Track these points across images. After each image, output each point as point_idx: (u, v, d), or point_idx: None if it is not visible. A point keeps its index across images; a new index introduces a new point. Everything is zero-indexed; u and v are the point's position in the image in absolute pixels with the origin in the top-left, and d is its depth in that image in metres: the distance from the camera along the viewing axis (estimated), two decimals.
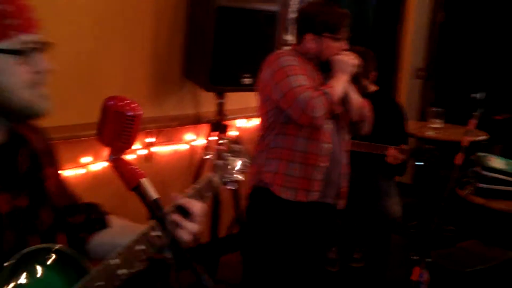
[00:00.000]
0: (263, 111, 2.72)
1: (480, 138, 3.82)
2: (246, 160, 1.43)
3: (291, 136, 2.62)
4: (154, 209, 1.24)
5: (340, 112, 2.63)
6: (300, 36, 2.68)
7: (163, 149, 3.53)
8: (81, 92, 3.13)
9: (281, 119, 2.62)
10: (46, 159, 1.37)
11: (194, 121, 3.62)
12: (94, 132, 3.34)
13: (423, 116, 5.37)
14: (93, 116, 3.16)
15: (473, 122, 2.26)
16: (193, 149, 3.71)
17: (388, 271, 3.81)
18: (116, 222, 1.46)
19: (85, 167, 3.15)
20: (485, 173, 2.83)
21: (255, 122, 3.73)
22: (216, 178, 1.40)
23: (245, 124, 3.97)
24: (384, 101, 3.71)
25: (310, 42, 2.64)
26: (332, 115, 2.59)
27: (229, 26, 3.34)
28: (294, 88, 2.50)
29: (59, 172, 1.42)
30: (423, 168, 3.28)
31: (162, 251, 1.30)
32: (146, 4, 3.36)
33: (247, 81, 3.40)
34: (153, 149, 3.49)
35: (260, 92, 2.70)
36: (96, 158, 3.20)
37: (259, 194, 2.73)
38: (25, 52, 1.20)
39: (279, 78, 2.55)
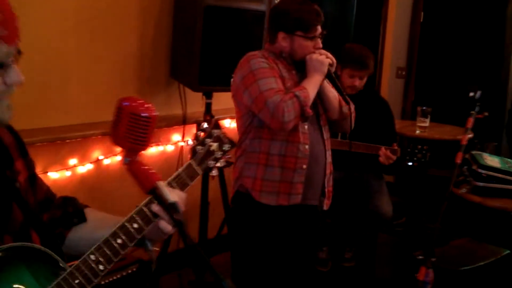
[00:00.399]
0: (238, 115, 2.67)
1: (469, 136, 3.86)
2: (227, 145, 1.40)
3: (266, 140, 2.56)
4: (172, 212, 1.20)
5: (313, 114, 2.55)
6: (272, 35, 2.61)
7: (150, 150, 3.48)
8: (66, 93, 3.07)
9: (255, 123, 2.57)
10: (15, 152, 1.32)
11: (181, 121, 3.58)
12: (79, 133, 3.28)
13: (404, 115, 5.42)
14: (79, 117, 3.15)
15: (471, 121, 2.27)
16: (180, 149, 3.66)
17: (376, 269, 3.84)
18: (94, 215, 1.42)
19: (71, 169, 3.08)
20: (481, 171, 2.86)
21: None
22: (195, 165, 1.36)
23: (233, 125, 3.94)
24: (372, 99, 3.72)
25: (282, 41, 2.57)
26: (305, 118, 2.52)
27: (216, 26, 3.31)
28: (263, 92, 2.44)
29: (31, 164, 1.38)
30: (412, 167, 3.30)
31: (141, 245, 1.29)
32: (131, 4, 3.31)
33: None
34: None
35: (233, 97, 2.65)
36: (82, 160, 3.15)
37: (241, 199, 2.68)
38: (4, 64, 1.17)
39: (248, 82, 2.50)
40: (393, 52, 5.37)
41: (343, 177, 3.68)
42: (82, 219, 1.40)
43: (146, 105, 1.22)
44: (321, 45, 2.59)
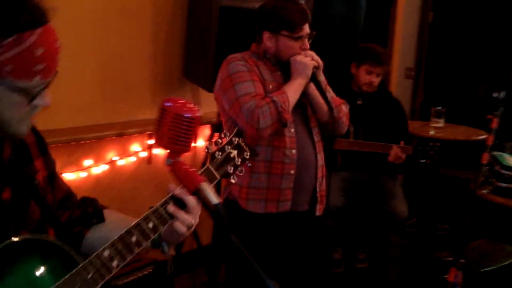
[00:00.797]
0: (223, 120, 2.57)
1: (482, 137, 3.87)
2: (247, 153, 1.39)
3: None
4: (215, 214, 1.19)
5: (291, 120, 2.45)
6: (258, 34, 2.50)
7: (164, 151, 3.46)
8: (81, 94, 3.06)
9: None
10: (35, 150, 1.35)
11: None
12: (94, 134, 3.27)
13: (413, 115, 5.41)
14: (93, 118, 3.14)
15: (496, 121, 2.26)
16: (194, 150, 3.65)
17: (390, 270, 3.83)
18: (113, 216, 1.45)
19: (86, 170, 3.07)
20: (504, 172, 2.84)
21: None
22: (214, 169, 1.36)
23: None
24: (386, 100, 3.72)
25: (267, 41, 2.46)
26: (283, 124, 2.39)
27: (231, 26, 3.30)
28: (239, 98, 2.36)
29: (51, 163, 1.40)
30: (425, 165, 3.29)
31: (157, 246, 1.31)
32: (145, 4, 3.29)
33: None
34: (154, 151, 3.42)
35: (216, 100, 2.57)
36: (98, 161, 3.13)
37: (229, 207, 2.56)
38: (36, 93, 1.20)
39: (226, 87, 2.42)
40: (402, 52, 5.37)
41: (358, 178, 3.68)
42: (101, 219, 1.43)
43: (189, 106, 1.22)
44: (308, 46, 2.47)
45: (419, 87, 5.50)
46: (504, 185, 2.86)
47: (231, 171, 1.37)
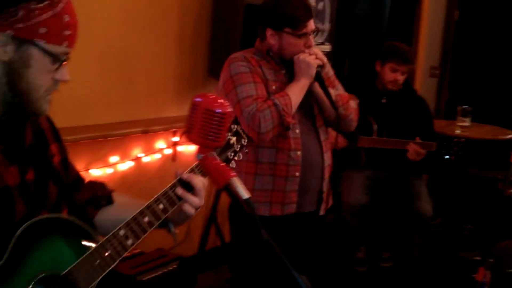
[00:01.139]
0: None
1: (510, 136, 3.82)
2: (244, 139, 1.45)
3: (253, 148, 2.37)
4: (246, 208, 1.20)
5: (295, 122, 2.39)
6: (261, 31, 2.43)
7: (188, 148, 3.49)
8: (108, 91, 3.09)
9: None
10: (51, 136, 1.42)
11: None
12: (120, 131, 3.30)
13: (437, 114, 5.37)
14: (120, 115, 3.17)
15: None
16: None
17: (414, 269, 3.81)
18: (121, 198, 1.52)
19: (112, 167, 3.11)
20: None
21: None
22: (216, 155, 1.39)
23: None
24: (411, 98, 3.70)
25: (271, 38, 2.38)
26: (286, 127, 2.34)
27: (256, 24, 3.30)
28: (241, 101, 2.30)
29: (64, 148, 1.48)
30: (449, 161, 3.25)
31: (164, 226, 1.38)
32: (172, 4, 3.32)
33: None
34: (179, 148, 3.45)
35: None
36: (123, 158, 3.17)
37: (235, 209, 2.54)
38: (62, 61, 1.27)
39: (228, 89, 2.37)
40: (427, 51, 5.32)
41: (382, 176, 3.66)
42: (110, 201, 1.50)
43: (220, 101, 1.23)
44: (312, 43, 2.39)
45: (444, 85, 5.45)
46: None
47: (231, 156, 1.43)
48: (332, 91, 2.44)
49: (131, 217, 1.30)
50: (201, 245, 3.41)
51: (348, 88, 2.69)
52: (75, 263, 1.25)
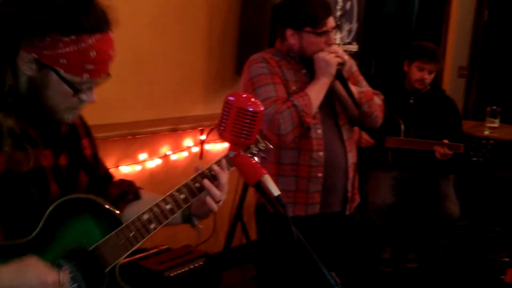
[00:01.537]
0: None
1: None
2: (262, 144, 1.48)
3: (275, 149, 2.34)
4: (276, 206, 1.22)
5: (317, 122, 2.35)
6: (281, 32, 2.39)
7: (215, 147, 3.52)
8: (137, 90, 3.14)
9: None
10: (82, 131, 1.50)
11: None
12: (149, 129, 3.35)
13: (465, 115, 5.31)
14: (149, 113, 3.22)
15: None
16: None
17: (440, 270, 3.79)
18: (148, 195, 1.59)
19: (141, 164, 3.16)
20: None
21: None
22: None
23: None
24: (439, 98, 3.68)
25: (291, 38, 2.33)
26: (306, 127, 2.31)
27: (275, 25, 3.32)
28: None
29: (95, 144, 1.55)
30: (477, 163, 3.23)
31: (188, 221, 1.47)
32: (201, 4, 3.36)
33: None
34: (206, 146, 3.49)
35: None
36: (152, 155, 3.22)
37: (260, 210, 2.54)
38: (82, 89, 1.31)
39: (247, 91, 2.34)
40: (455, 51, 5.27)
41: (409, 177, 3.64)
42: (137, 197, 1.57)
43: (252, 100, 1.25)
44: (333, 41, 2.36)
45: (473, 86, 5.39)
46: None
47: (252, 155, 1.45)
48: (354, 89, 2.40)
49: (155, 203, 1.39)
50: (227, 242, 3.44)
51: (375, 88, 2.67)
52: (102, 240, 1.34)
